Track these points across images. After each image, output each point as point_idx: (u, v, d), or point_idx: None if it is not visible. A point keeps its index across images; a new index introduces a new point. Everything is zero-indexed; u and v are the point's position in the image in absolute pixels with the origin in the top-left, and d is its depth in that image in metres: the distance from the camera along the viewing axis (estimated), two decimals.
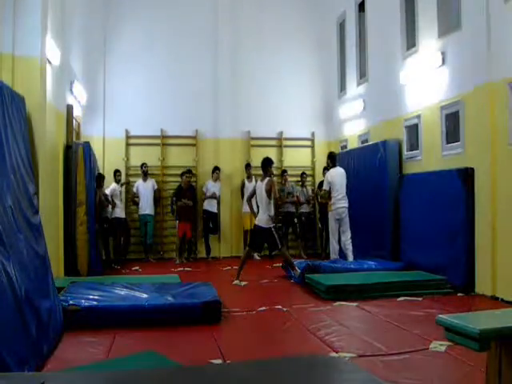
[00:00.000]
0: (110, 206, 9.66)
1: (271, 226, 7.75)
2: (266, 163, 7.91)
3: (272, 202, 7.80)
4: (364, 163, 9.59)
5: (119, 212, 10.04)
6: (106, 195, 9.68)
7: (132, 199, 10.78)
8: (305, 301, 6.45)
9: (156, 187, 10.87)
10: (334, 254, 8.86)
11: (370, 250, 9.01)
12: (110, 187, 10.03)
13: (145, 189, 10.66)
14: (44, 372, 3.67)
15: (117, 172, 10.38)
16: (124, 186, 10.77)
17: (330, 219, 8.91)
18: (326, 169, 9.70)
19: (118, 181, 10.29)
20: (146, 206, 10.60)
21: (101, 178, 9.41)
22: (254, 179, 10.68)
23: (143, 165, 10.73)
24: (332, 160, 8.93)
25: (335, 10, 11.86)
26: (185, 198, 10.47)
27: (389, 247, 8.68)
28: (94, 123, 10.86)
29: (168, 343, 4.60)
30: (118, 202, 10.00)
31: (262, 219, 7.75)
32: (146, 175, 10.75)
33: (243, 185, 11.14)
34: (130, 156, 11.35)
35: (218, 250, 11.26)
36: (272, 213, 7.81)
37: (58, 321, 4.74)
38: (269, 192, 7.67)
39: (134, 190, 10.73)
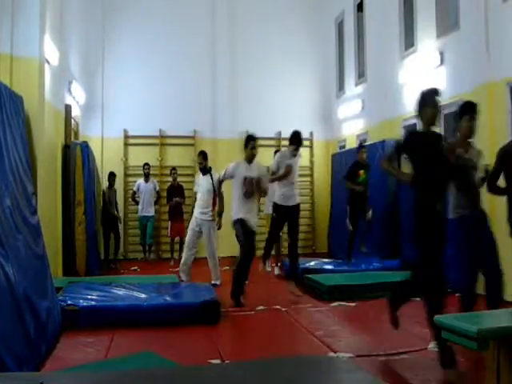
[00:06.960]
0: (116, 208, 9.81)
1: None
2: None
3: None
4: None
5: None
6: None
7: (133, 198, 10.77)
8: (304, 301, 6.44)
9: (158, 188, 10.82)
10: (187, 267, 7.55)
11: (370, 250, 8.99)
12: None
13: (146, 189, 10.64)
14: (42, 372, 3.66)
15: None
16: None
17: (214, 230, 8.01)
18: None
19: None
20: (147, 207, 10.58)
21: (111, 177, 9.50)
22: None
23: (145, 165, 10.67)
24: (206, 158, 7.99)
25: (334, 9, 11.87)
26: (176, 196, 10.28)
27: (388, 247, 8.67)
28: (92, 123, 10.85)
29: (166, 343, 4.59)
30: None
31: None
32: (147, 176, 10.70)
33: None
34: (129, 156, 11.34)
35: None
36: None
37: (57, 321, 4.73)
38: None
39: (135, 189, 10.71)
